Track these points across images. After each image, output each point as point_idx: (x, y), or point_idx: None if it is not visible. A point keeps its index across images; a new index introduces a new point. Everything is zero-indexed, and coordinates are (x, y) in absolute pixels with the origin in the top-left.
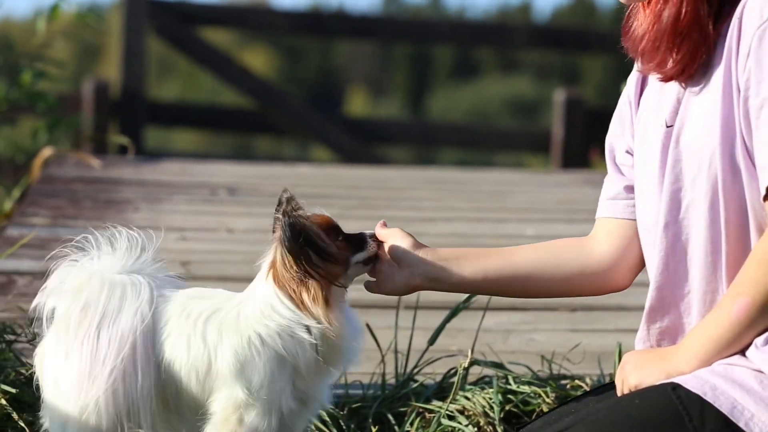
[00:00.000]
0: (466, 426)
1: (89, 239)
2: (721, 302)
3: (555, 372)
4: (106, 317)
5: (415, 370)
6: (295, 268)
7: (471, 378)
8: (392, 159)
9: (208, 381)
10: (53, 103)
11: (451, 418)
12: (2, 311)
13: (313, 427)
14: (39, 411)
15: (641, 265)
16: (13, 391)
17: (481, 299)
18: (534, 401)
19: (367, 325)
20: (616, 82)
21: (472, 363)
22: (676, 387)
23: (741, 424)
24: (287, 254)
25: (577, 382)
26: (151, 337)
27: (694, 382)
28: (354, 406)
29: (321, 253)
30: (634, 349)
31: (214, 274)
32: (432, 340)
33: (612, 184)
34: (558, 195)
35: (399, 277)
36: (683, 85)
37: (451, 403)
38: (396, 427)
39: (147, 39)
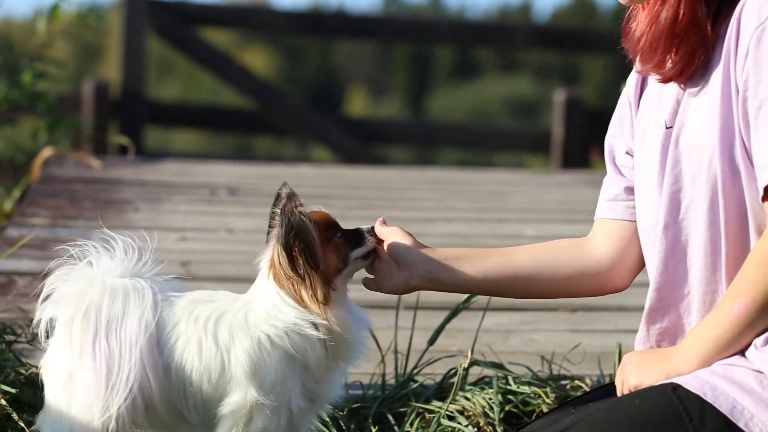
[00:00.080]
0: (466, 426)
1: (89, 243)
2: (720, 303)
3: (555, 372)
4: (111, 323)
5: (415, 371)
6: (289, 266)
7: (471, 378)
8: (392, 159)
9: (221, 383)
10: (53, 103)
11: (450, 418)
12: (2, 311)
13: (313, 428)
14: (39, 411)
15: (640, 266)
16: (13, 391)
17: (481, 299)
18: (534, 402)
19: None
20: (616, 82)
21: (472, 363)
22: (676, 387)
23: (741, 425)
24: (282, 253)
25: (577, 382)
26: (157, 342)
27: (694, 382)
28: (354, 406)
29: (315, 252)
30: (633, 350)
31: (214, 274)
32: (432, 341)
33: (611, 185)
34: (558, 195)
35: (398, 276)
36: (682, 86)
37: (450, 403)
38: (396, 428)
39: (147, 39)
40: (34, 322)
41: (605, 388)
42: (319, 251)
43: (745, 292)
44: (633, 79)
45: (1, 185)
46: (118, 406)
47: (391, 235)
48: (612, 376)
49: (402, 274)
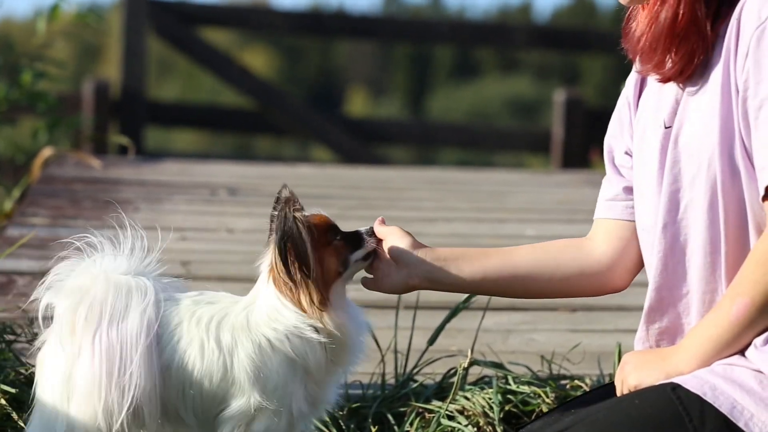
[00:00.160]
0: (466, 426)
1: (92, 240)
2: (720, 303)
3: (555, 372)
4: (114, 319)
5: (415, 370)
6: (285, 272)
7: (471, 378)
8: (392, 159)
9: (222, 386)
10: (53, 103)
11: (450, 418)
12: (2, 311)
13: (312, 428)
14: None
15: (639, 266)
16: (13, 391)
17: (481, 299)
18: (534, 401)
19: None
20: (616, 82)
21: (472, 363)
22: (675, 387)
23: (741, 425)
24: (278, 259)
25: (576, 382)
26: (158, 341)
27: (694, 382)
28: (354, 406)
29: (308, 259)
30: (633, 350)
31: (214, 274)
32: (432, 340)
33: (611, 185)
34: (558, 195)
35: (397, 276)
36: (681, 86)
37: (450, 403)
38: (396, 427)
39: (147, 39)
40: (35, 308)
41: (605, 388)
42: (311, 259)
43: (744, 292)
44: (632, 79)
45: (1, 185)
46: (127, 406)
47: (390, 234)
48: (612, 376)
49: (401, 273)
